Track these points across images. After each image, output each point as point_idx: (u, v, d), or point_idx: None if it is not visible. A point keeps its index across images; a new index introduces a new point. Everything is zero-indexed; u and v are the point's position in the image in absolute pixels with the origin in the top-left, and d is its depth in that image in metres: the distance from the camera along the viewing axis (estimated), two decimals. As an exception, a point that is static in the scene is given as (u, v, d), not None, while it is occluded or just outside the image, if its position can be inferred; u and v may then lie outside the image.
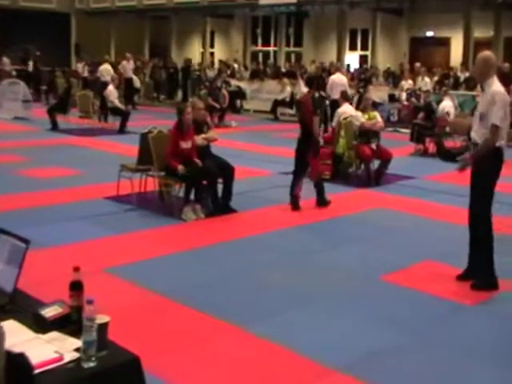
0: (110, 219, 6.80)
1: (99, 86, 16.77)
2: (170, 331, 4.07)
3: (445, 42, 23.62)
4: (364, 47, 25.84)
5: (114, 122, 14.35)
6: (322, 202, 7.61)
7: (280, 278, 5.16)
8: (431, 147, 12.32)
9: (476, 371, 3.71)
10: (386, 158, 9.11)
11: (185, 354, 3.78)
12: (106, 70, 18.57)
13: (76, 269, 2.36)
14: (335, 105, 14.52)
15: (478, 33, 20.98)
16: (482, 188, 4.83)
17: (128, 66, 19.83)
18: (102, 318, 2.20)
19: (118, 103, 14.23)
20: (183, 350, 3.82)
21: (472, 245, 4.99)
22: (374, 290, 4.97)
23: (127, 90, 19.19)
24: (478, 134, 4.86)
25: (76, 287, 2.35)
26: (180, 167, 6.70)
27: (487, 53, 5.01)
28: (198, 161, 6.82)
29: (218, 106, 15.86)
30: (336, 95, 14.57)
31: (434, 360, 3.80)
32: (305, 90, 17.50)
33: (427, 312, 4.54)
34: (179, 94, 22.26)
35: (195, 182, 6.84)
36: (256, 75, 21.72)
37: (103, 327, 2.20)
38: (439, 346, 4.01)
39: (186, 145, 6.90)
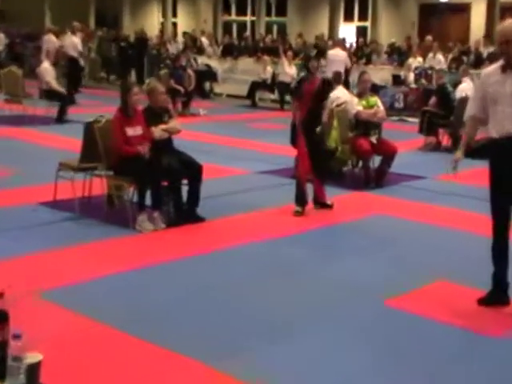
0: (46, 230, 6.73)
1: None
2: (118, 369, 4.03)
3: (463, 9, 23.85)
4: (363, 17, 26.07)
5: (50, 108, 14.19)
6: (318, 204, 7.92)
7: (256, 301, 5.14)
8: (445, 140, 12.45)
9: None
10: (388, 154, 9.17)
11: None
12: (50, 41, 18.45)
13: (-1, 294, 2.32)
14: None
15: (505, -4, 21.13)
16: None
17: (76, 40, 19.26)
18: (33, 357, 2.17)
19: (55, 84, 14.12)
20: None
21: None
22: (375, 317, 4.97)
23: (73, 70, 18.57)
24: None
25: (-1, 317, 2.31)
26: (141, 148, 6.70)
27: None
28: (143, 149, 6.72)
29: (182, 89, 15.85)
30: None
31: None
32: (290, 70, 17.84)
33: (442, 346, 4.53)
34: (133, 74, 22.19)
35: (153, 182, 6.81)
36: (229, 51, 21.77)
37: (34, 368, 2.17)
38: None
39: (133, 132, 6.85)
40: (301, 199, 7.62)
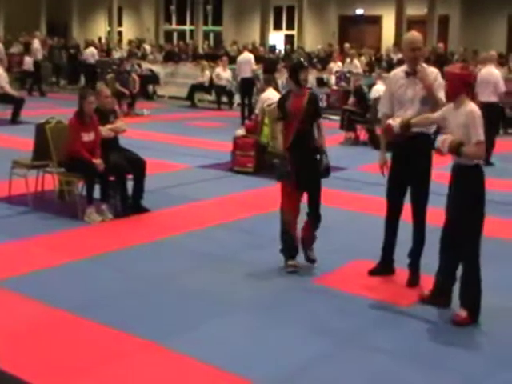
0: (1, 224, 6.56)
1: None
2: (75, 352, 3.94)
3: (376, 21, 24.24)
4: (290, 26, 26.14)
5: (4, 111, 13.77)
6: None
7: (199, 285, 5.10)
8: (363, 135, 12.60)
9: (411, 375, 3.79)
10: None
11: (94, 376, 3.66)
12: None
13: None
14: (246, 83, 14.65)
15: (411, 10, 21.61)
16: None
17: (38, 47, 19.60)
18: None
19: (8, 88, 13.71)
20: (92, 373, 3.70)
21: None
22: (304, 294, 5.00)
23: (36, 75, 19.09)
24: (423, 121, 5.00)
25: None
26: (97, 162, 6.53)
27: (417, 33, 5.28)
28: (98, 161, 6.57)
29: (127, 92, 15.58)
30: (243, 74, 14.94)
31: (367, 368, 3.86)
32: (225, 74, 17.73)
33: (361, 316, 4.62)
34: (82, 79, 21.71)
35: (101, 178, 6.66)
36: (170, 57, 21.50)
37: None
38: (374, 351, 4.08)
39: (87, 137, 6.71)
40: (289, 249, 5.49)
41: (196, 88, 18.47)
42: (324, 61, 19.59)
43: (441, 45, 17.75)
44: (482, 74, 10.37)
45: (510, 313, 4.74)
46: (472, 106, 4.50)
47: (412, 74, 5.08)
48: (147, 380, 3.65)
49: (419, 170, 5.09)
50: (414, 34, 5.25)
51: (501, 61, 16.63)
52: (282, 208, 5.54)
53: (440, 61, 13.35)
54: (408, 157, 5.06)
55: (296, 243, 5.50)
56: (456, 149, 4.41)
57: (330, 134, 12.76)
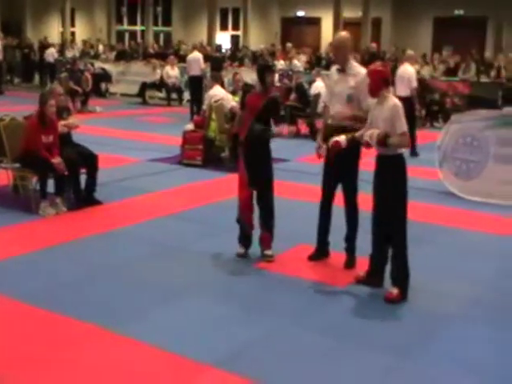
0: (-43, 218, 6.33)
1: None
2: (32, 341, 3.86)
3: (316, 22, 24.41)
4: (235, 27, 26.05)
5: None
6: None
7: (151, 273, 5.05)
8: (303, 128, 12.68)
9: (345, 353, 3.85)
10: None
11: (51, 364, 3.60)
12: None
13: None
14: (195, 81, 14.72)
15: (348, 13, 21.94)
16: None
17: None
18: None
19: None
20: (49, 360, 3.63)
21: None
22: (247, 278, 5.03)
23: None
24: (342, 115, 5.06)
25: None
26: (56, 161, 6.37)
27: (345, 34, 5.35)
28: (57, 160, 6.41)
29: (80, 89, 15.28)
30: (192, 72, 14.90)
31: (299, 345, 3.91)
32: (173, 73, 17.53)
33: (299, 297, 4.67)
34: (36, 78, 21.17)
35: (54, 172, 6.51)
36: (122, 56, 21.16)
37: None
38: (311, 330, 4.13)
39: (46, 139, 6.53)
40: (240, 236, 5.47)
41: (147, 86, 18.25)
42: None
43: (374, 45, 18.01)
44: (399, 71, 10.65)
45: (433, 289, 4.87)
46: (394, 101, 4.60)
47: (342, 71, 5.17)
48: (98, 365, 3.60)
49: (348, 167, 5.19)
50: (339, 35, 5.32)
51: (424, 60, 17.07)
52: (238, 197, 5.46)
53: (373, 60, 13.55)
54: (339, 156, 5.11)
55: (248, 232, 5.44)
56: (383, 140, 4.51)
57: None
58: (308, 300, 4.63)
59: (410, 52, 11.53)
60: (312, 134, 11.77)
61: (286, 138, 12.09)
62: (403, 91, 10.27)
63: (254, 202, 5.45)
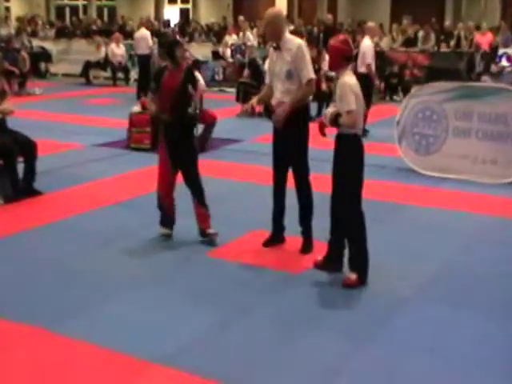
0: None
1: None
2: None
3: (269, -6, 24.24)
4: (185, 0, 25.73)
5: None
6: None
7: (93, 266, 4.96)
8: (258, 107, 12.58)
9: (300, 340, 3.85)
10: (209, 122, 9.14)
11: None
12: None
13: None
14: (143, 59, 14.50)
15: (302, -17, 21.84)
16: None
17: None
18: None
19: None
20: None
21: None
22: (199, 268, 4.97)
23: None
24: (286, 94, 5.05)
25: None
26: None
27: (276, 9, 5.31)
28: None
29: (16, 70, 14.86)
30: (140, 50, 14.71)
31: (257, 336, 3.89)
32: (118, 51, 17.22)
33: (254, 286, 4.64)
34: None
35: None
36: (63, 34, 20.68)
37: None
38: (265, 319, 4.12)
39: None
40: (161, 217, 5.60)
41: (90, 65, 17.89)
42: (219, 34, 19.45)
43: (330, 16, 17.98)
44: (360, 46, 10.41)
45: (393, 270, 4.91)
46: (344, 79, 4.57)
47: (277, 48, 5.14)
48: (37, 368, 3.51)
49: (295, 146, 5.16)
50: (268, 11, 5.29)
51: (382, 30, 17.11)
52: (158, 186, 5.61)
53: (329, 32, 13.52)
54: (285, 131, 5.09)
55: (169, 213, 5.55)
56: (334, 120, 4.51)
57: (227, 106, 12.80)
58: (263, 288, 4.61)
59: (370, 24, 11.18)
60: (266, 112, 11.71)
61: (241, 116, 12.19)
62: (359, 67, 10.17)
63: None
